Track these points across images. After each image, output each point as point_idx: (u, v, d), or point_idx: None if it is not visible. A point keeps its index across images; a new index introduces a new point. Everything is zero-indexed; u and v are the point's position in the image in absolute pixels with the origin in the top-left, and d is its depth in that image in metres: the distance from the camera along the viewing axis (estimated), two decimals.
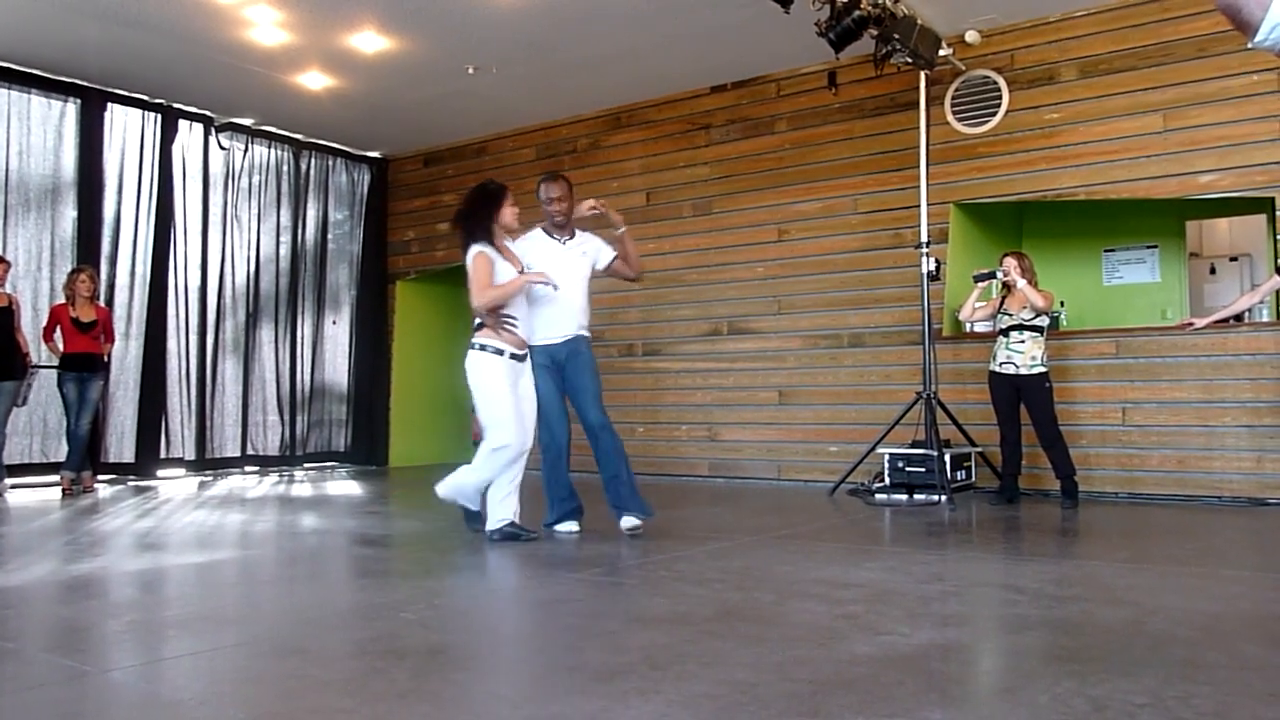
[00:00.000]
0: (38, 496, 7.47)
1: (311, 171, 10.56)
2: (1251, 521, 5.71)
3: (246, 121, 9.80)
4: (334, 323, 10.80)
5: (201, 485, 8.48)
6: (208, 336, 9.52)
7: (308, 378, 10.45)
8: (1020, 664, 2.75)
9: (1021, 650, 2.88)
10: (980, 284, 6.62)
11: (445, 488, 5.04)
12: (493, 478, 4.89)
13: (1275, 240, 6.68)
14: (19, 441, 8.12)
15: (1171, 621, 3.10)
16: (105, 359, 7.97)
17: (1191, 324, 6.41)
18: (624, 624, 3.26)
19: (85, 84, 8.55)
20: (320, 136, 10.44)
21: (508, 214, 4.95)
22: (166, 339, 9.13)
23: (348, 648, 2.97)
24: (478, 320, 4.89)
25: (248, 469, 9.88)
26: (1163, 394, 6.75)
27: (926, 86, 7.17)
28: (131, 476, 8.82)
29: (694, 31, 7.60)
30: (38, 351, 7.74)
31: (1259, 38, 1.98)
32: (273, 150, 10.22)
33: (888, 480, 6.89)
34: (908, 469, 6.78)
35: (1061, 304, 7.90)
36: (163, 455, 9.10)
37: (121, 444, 8.83)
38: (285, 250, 10.30)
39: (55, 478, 7.84)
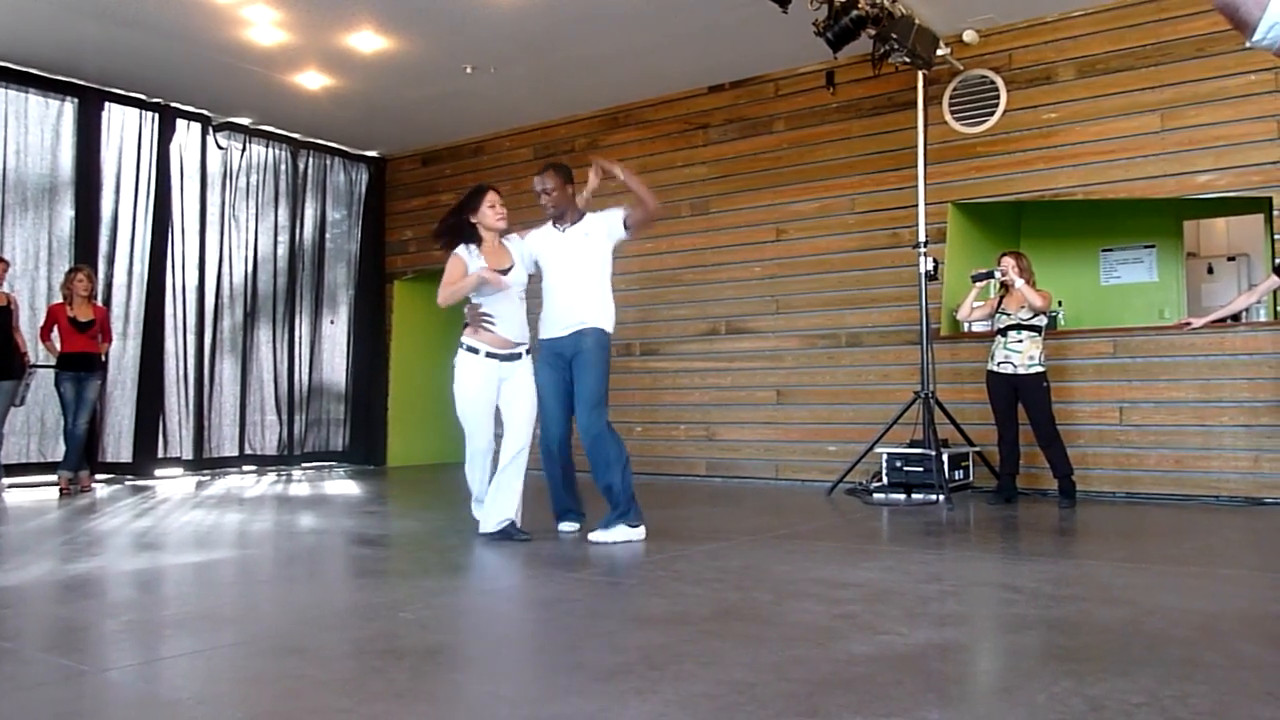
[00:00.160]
0: (35, 496, 7.46)
1: (309, 171, 10.55)
2: (1249, 521, 5.72)
3: (244, 121, 9.79)
4: (332, 322, 10.79)
5: (199, 485, 8.48)
6: (205, 336, 9.51)
7: (305, 377, 10.45)
8: (1018, 663, 2.75)
9: (1019, 650, 2.88)
10: (978, 283, 6.62)
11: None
12: (478, 475, 5.03)
13: (1272, 240, 6.68)
14: (16, 441, 8.11)
15: (1169, 621, 3.10)
16: (103, 358, 7.96)
17: (1189, 324, 6.42)
18: (622, 624, 3.26)
19: (83, 83, 8.55)
20: (318, 136, 10.44)
21: (486, 213, 4.96)
22: (164, 338, 9.12)
23: (346, 647, 2.97)
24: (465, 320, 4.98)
25: (245, 469, 9.88)
26: (1160, 393, 6.76)
27: (924, 86, 7.18)
28: (129, 476, 8.81)
29: (691, 31, 7.60)
30: (35, 351, 7.73)
31: (1257, 37, 1.98)
32: (270, 150, 10.21)
33: (885, 480, 6.89)
34: (905, 468, 6.79)
35: (1059, 304, 7.91)
36: (160, 455, 9.09)
37: (119, 443, 8.82)
38: (283, 250, 10.29)
39: (53, 477, 7.84)
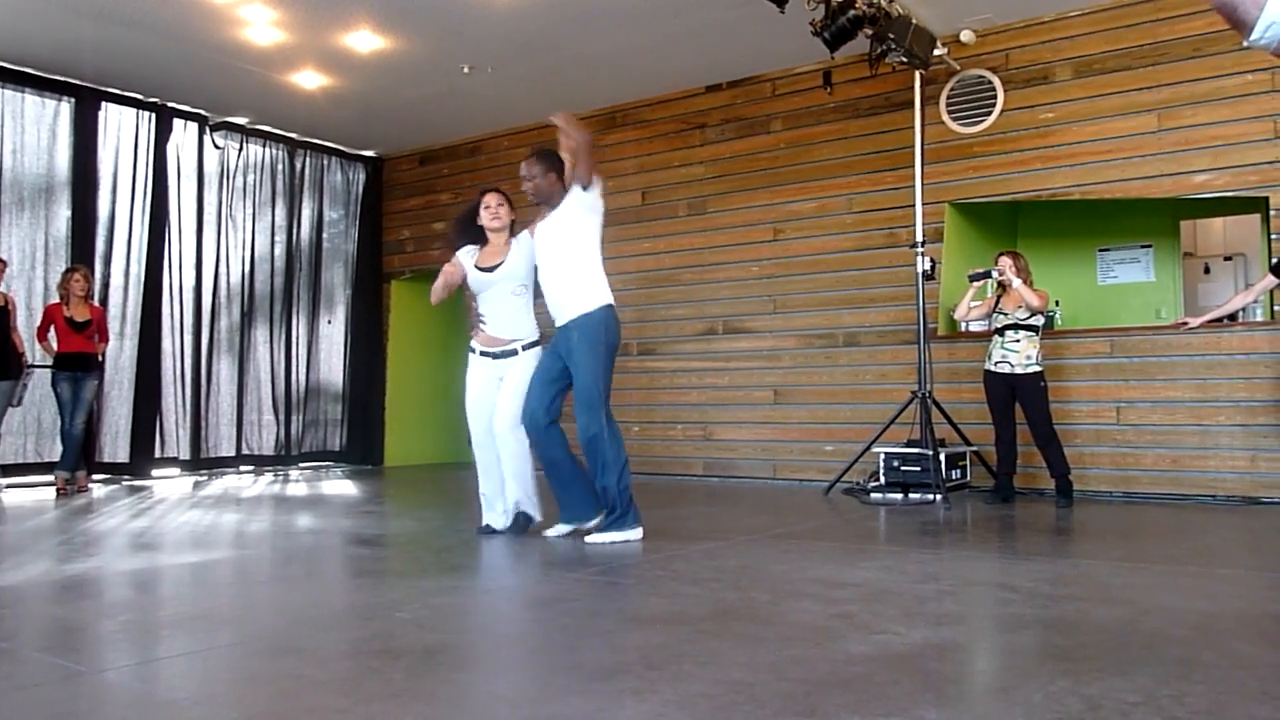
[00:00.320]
0: (32, 496, 7.46)
1: (306, 170, 10.55)
2: (1246, 520, 5.72)
3: (241, 120, 9.78)
4: (329, 322, 10.79)
5: (196, 485, 8.47)
6: (202, 336, 9.51)
7: (303, 377, 10.45)
8: (1015, 663, 2.76)
9: (1016, 649, 2.88)
10: (975, 283, 6.63)
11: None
12: (481, 471, 5.12)
13: (1269, 239, 6.69)
14: (13, 441, 8.11)
15: (1166, 620, 3.10)
16: (100, 358, 7.95)
17: (1186, 323, 6.44)
18: (620, 623, 3.26)
19: (79, 83, 8.54)
20: (315, 135, 10.43)
21: (482, 214, 5.12)
22: (161, 338, 9.12)
23: (343, 647, 2.97)
24: None
25: (243, 469, 9.87)
26: (1157, 393, 6.76)
27: (921, 86, 7.18)
28: (126, 476, 8.80)
29: (689, 31, 7.60)
30: (32, 351, 7.72)
31: (1254, 36, 1.98)
32: (267, 149, 10.21)
33: (883, 479, 6.90)
34: (903, 468, 6.79)
35: (1056, 303, 7.91)
36: (157, 455, 9.09)
37: (116, 443, 8.81)
38: (280, 249, 10.28)
39: (50, 477, 7.83)
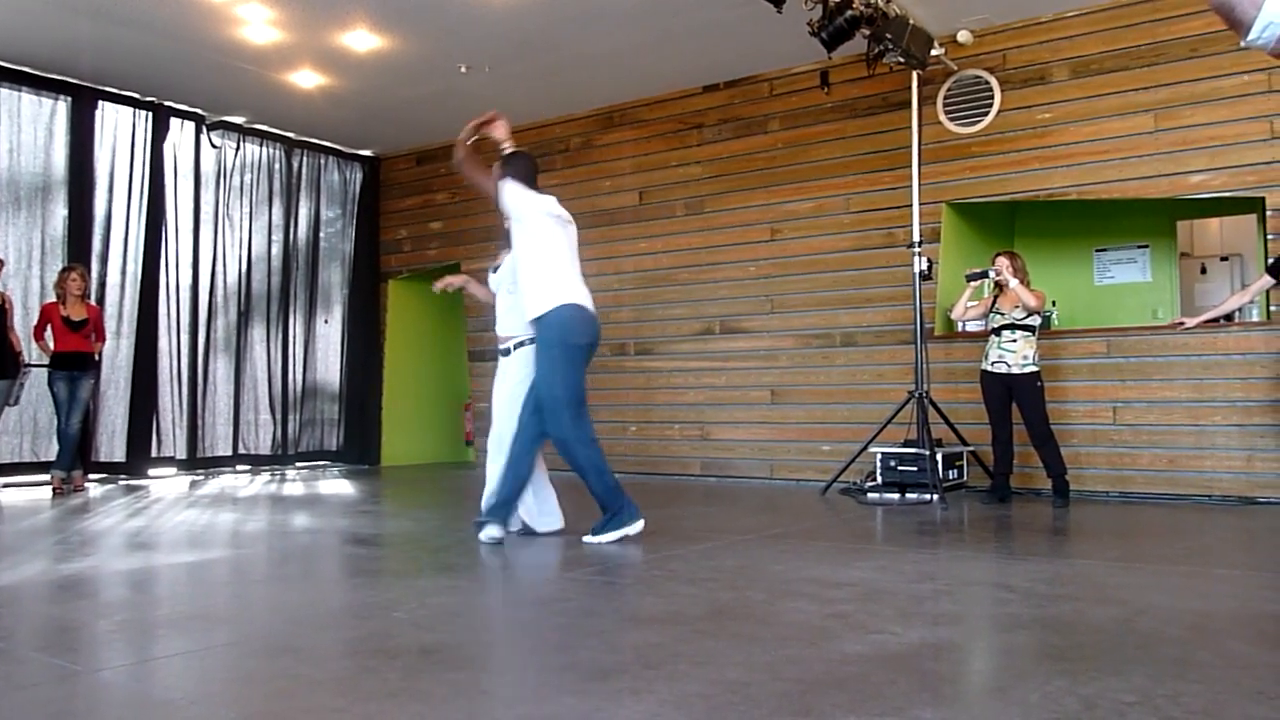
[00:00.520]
0: (28, 496, 7.45)
1: (303, 170, 10.54)
2: (1242, 520, 5.73)
3: (238, 120, 9.77)
4: (326, 322, 10.78)
5: (193, 484, 8.46)
6: (199, 335, 9.50)
7: (299, 377, 10.44)
8: (1011, 663, 2.76)
9: (1013, 649, 2.88)
10: (972, 283, 6.63)
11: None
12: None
13: (1266, 240, 6.70)
14: (9, 440, 8.10)
15: (1161, 620, 3.11)
16: (96, 358, 7.94)
17: (1182, 323, 6.45)
18: (616, 623, 3.26)
19: (76, 82, 8.52)
20: (312, 135, 10.42)
21: None
22: (158, 337, 9.11)
23: (339, 647, 2.97)
24: None
25: (239, 468, 9.86)
26: (1154, 393, 6.77)
27: (919, 86, 7.18)
28: (122, 476, 8.79)
29: (686, 31, 7.60)
30: (29, 350, 7.71)
31: (1251, 36, 1.99)
32: (264, 148, 10.19)
33: (880, 479, 6.91)
34: (900, 468, 6.80)
35: (1053, 303, 7.92)
36: (154, 454, 9.07)
37: (112, 443, 8.80)
38: (277, 249, 10.27)
39: (46, 477, 7.82)
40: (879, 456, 6.93)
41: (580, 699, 2.32)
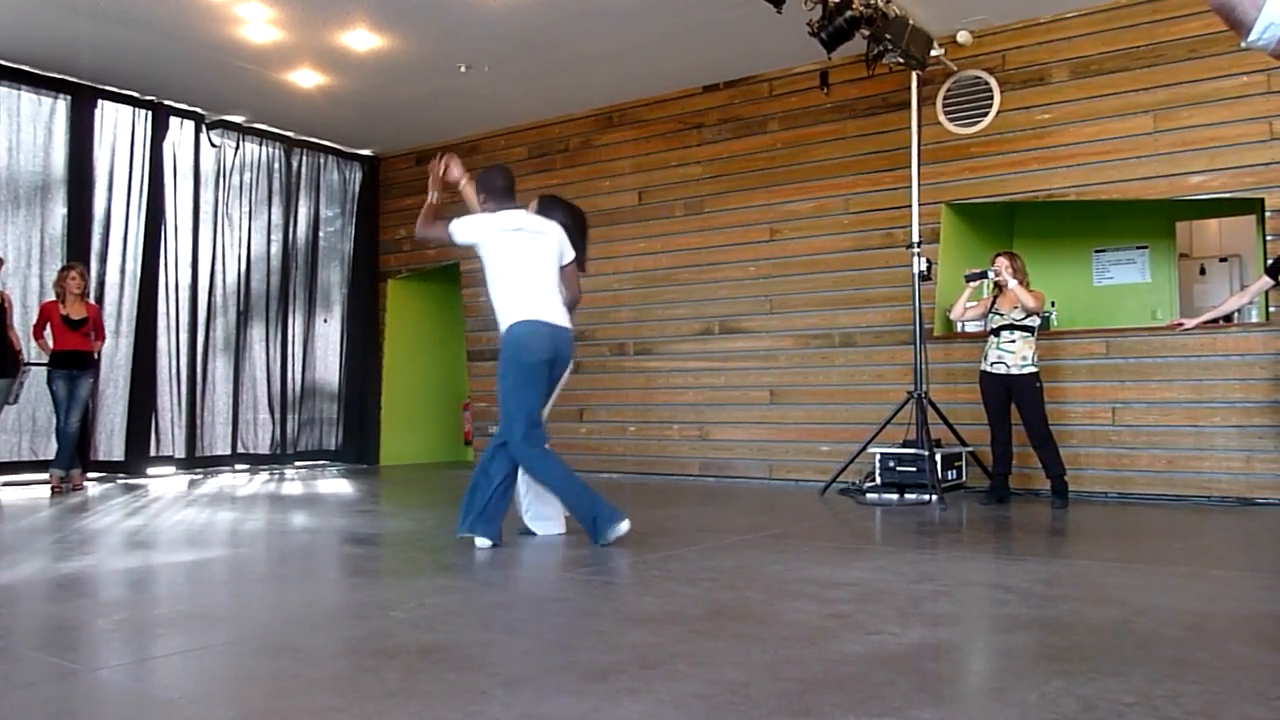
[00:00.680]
0: (27, 494, 7.44)
1: (303, 169, 10.54)
2: (1240, 521, 5.73)
3: (238, 119, 9.77)
4: (325, 321, 10.77)
5: (191, 483, 8.46)
6: (198, 334, 9.49)
7: (299, 376, 10.44)
8: (1010, 663, 2.76)
9: (1011, 650, 2.88)
10: (971, 284, 6.63)
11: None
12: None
13: (1265, 241, 6.70)
14: (8, 439, 8.09)
15: (1160, 621, 3.11)
16: (95, 356, 7.95)
17: (1181, 324, 6.44)
18: (615, 623, 3.26)
19: (76, 80, 8.52)
20: (312, 134, 10.42)
21: None
22: (157, 336, 9.11)
23: (338, 646, 2.97)
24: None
25: (238, 467, 9.86)
26: (1152, 394, 6.77)
27: (918, 87, 7.18)
28: (121, 474, 8.79)
29: (686, 31, 7.60)
30: (28, 349, 7.70)
31: (1252, 37, 1.98)
32: (264, 148, 10.19)
33: (879, 480, 6.91)
34: (899, 468, 6.80)
35: (1052, 304, 7.93)
36: (153, 453, 9.07)
37: (111, 442, 8.79)
38: (276, 248, 10.27)
39: (44, 476, 7.82)
40: (878, 457, 6.93)
41: (579, 699, 2.32)
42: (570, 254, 4.99)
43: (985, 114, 7.46)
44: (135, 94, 8.96)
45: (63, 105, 8.55)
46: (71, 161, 8.56)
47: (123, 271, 8.92)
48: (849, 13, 6.19)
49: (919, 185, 7.12)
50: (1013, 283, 6.39)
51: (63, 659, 2.78)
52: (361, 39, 7.70)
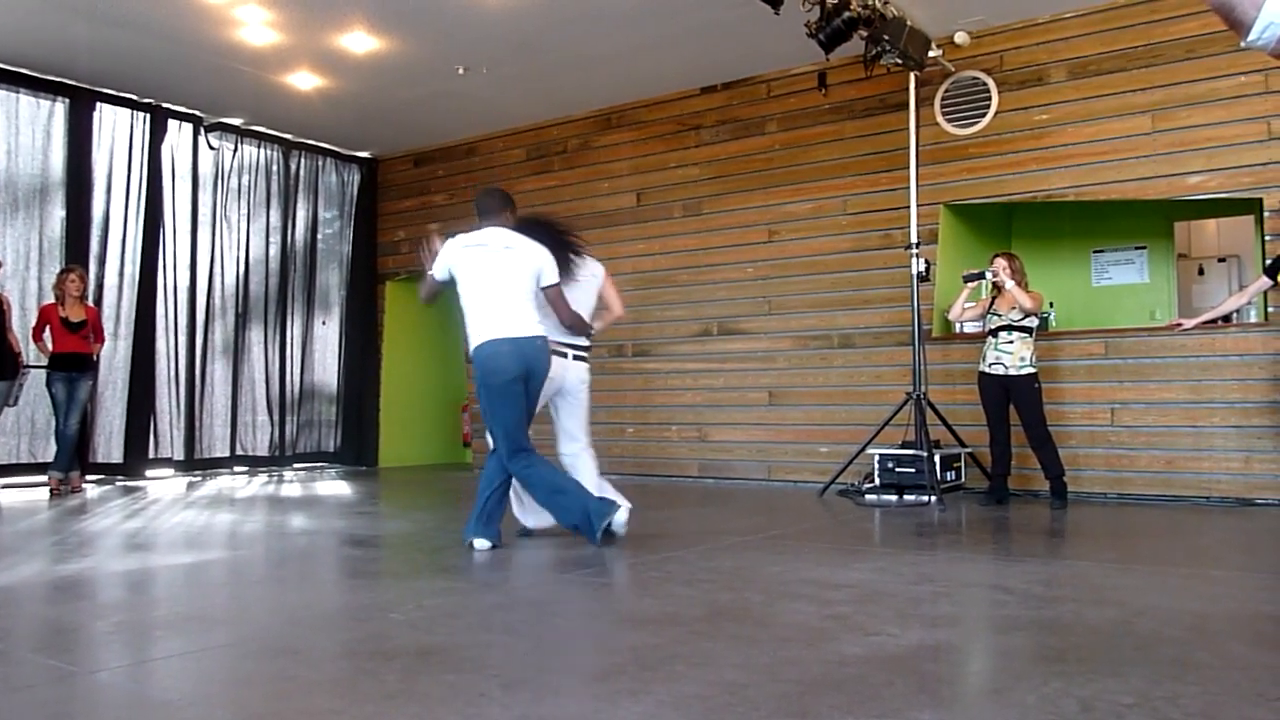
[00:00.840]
0: (25, 497, 7.44)
1: (301, 172, 10.53)
2: (1239, 522, 5.73)
3: (236, 121, 9.77)
4: (324, 323, 10.77)
5: (190, 486, 8.45)
6: (197, 337, 9.49)
7: (297, 378, 10.43)
8: (1009, 664, 2.76)
9: (1010, 651, 2.88)
10: (970, 284, 6.63)
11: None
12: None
13: (1263, 241, 6.70)
14: (7, 442, 8.09)
15: (1159, 622, 3.11)
16: (94, 359, 7.94)
17: (1180, 325, 6.46)
18: (614, 625, 3.26)
19: (74, 83, 8.51)
20: (310, 137, 10.41)
21: None
22: (155, 339, 9.10)
23: (337, 649, 2.96)
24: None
25: (237, 469, 9.85)
26: (1151, 394, 6.77)
27: (916, 87, 7.18)
28: (120, 477, 8.78)
29: (684, 32, 7.60)
30: (27, 351, 7.70)
31: (1251, 37, 1.98)
32: (262, 150, 10.19)
33: (877, 481, 6.91)
34: (897, 469, 6.80)
35: (1050, 305, 7.93)
36: (151, 455, 9.07)
37: (110, 444, 8.79)
38: (275, 251, 10.27)
39: (43, 478, 7.81)
40: (877, 458, 6.93)
41: (578, 700, 2.32)
42: (552, 278, 4.82)
43: (983, 115, 7.47)
44: (133, 96, 8.96)
45: (61, 108, 8.55)
46: (70, 164, 8.55)
47: (121, 274, 8.92)
48: (847, 14, 6.19)
49: (917, 186, 7.12)
50: (1010, 284, 6.39)
51: (61, 661, 2.78)
52: (359, 41, 7.71)
